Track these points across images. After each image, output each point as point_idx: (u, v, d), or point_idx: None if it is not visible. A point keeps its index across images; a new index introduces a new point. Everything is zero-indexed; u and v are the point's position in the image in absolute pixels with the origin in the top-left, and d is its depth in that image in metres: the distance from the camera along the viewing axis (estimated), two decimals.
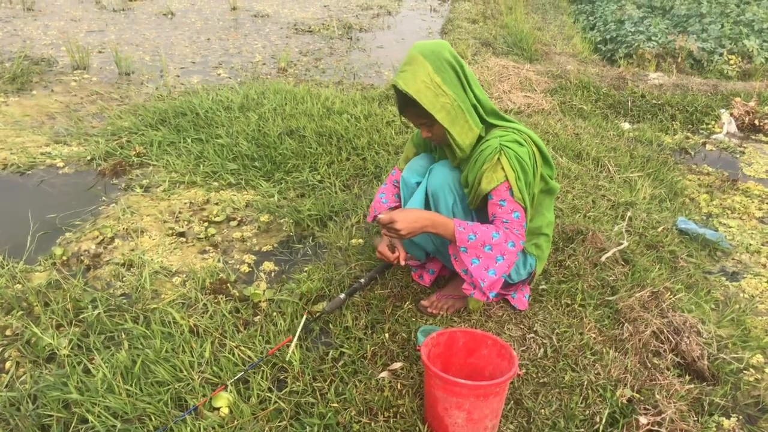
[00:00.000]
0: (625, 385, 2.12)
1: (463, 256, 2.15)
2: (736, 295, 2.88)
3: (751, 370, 2.39)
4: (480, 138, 2.15)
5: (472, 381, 1.73)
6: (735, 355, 2.40)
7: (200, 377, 2.10)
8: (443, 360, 1.96)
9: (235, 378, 2.07)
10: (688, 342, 2.37)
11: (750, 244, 3.31)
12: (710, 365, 2.32)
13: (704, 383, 2.27)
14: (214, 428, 1.89)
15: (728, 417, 2.15)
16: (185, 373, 2.10)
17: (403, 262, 2.32)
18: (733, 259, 3.20)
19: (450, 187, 2.23)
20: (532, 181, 2.13)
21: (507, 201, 2.10)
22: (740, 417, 2.16)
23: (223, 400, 2.00)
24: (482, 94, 2.15)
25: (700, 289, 2.82)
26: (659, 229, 3.20)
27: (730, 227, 3.50)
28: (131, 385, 2.03)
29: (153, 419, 1.92)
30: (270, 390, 2.07)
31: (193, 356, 2.18)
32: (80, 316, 2.39)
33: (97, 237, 2.97)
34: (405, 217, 2.08)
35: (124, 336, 2.29)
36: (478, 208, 2.24)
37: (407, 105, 2.10)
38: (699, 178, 4.09)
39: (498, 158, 2.06)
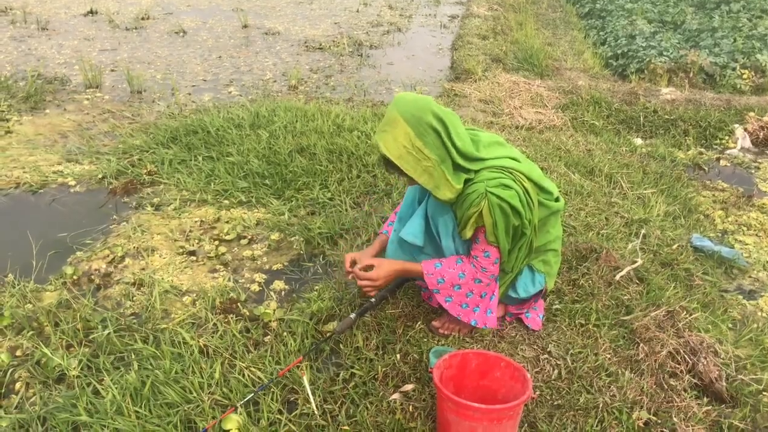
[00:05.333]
0: (642, 407, 2.07)
1: (437, 297, 2.27)
2: (753, 314, 2.83)
3: None
4: (468, 179, 2.13)
5: (485, 404, 1.70)
6: (754, 376, 2.35)
7: (210, 399, 2.08)
8: (456, 382, 1.93)
9: (245, 400, 2.05)
10: (705, 363, 2.33)
11: (767, 262, 3.25)
12: (728, 387, 2.27)
13: (723, 405, 2.23)
14: None
15: None
16: (195, 394, 2.08)
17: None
18: (750, 276, 3.15)
19: (448, 214, 2.22)
20: (519, 222, 2.11)
21: (481, 241, 2.17)
22: None
23: (233, 423, 1.98)
24: (465, 146, 2.08)
25: (717, 308, 2.77)
26: (674, 247, 3.16)
27: (747, 244, 3.45)
28: (140, 407, 2.01)
29: None
30: (280, 412, 2.04)
31: (202, 377, 2.16)
32: (90, 336, 2.39)
33: (108, 256, 2.97)
34: (382, 273, 2.26)
35: (133, 356, 2.27)
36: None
37: (388, 165, 2.12)
38: (714, 194, 4.04)
39: (481, 206, 2.08)
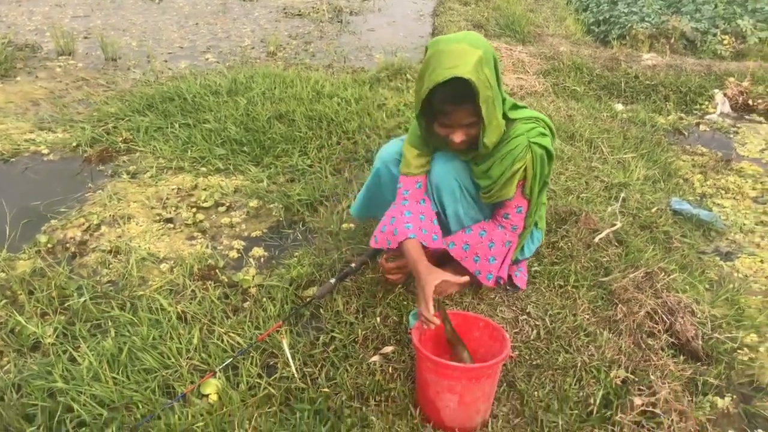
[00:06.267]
0: (620, 366, 2.09)
1: (465, 263, 2.22)
2: (730, 274, 2.86)
3: (745, 349, 2.38)
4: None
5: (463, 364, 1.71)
6: (729, 335, 2.38)
7: (188, 364, 2.06)
8: (435, 343, 1.93)
9: (224, 364, 2.04)
10: (682, 322, 2.35)
11: (744, 224, 3.29)
12: (704, 345, 2.30)
13: (698, 363, 2.25)
14: (202, 415, 1.86)
15: (722, 396, 2.13)
16: (173, 360, 2.07)
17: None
18: (727, 238, 3.18)
19: (456, 178, 2.16)
20: (549, 170, 2.11)
21: (516, 196, 2.12)
22: (734, 396, 2.14)
23: (212, 387, 1.97)
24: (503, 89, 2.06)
25: (695, 270, 2.80)
26: (653, 210, 3.17)
27: (724, 207, 3.48)
28: (118, 373, 1.99)
29: (140, 407, 1.89)
30: (260, 376, 2.03)
31: (181, 343, 2.14)
32: (66, 304, 2.35)
33: (83, 224, 2.92)
34: (440, 286, 2.03)
35: (110, 323, 2.25)
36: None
37: (460, 102, 1.90)
38: (693, 159, 4.06)
39: (527, 158, 2.02)
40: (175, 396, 1.93)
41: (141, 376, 2.00)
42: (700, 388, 2.11)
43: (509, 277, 2.36)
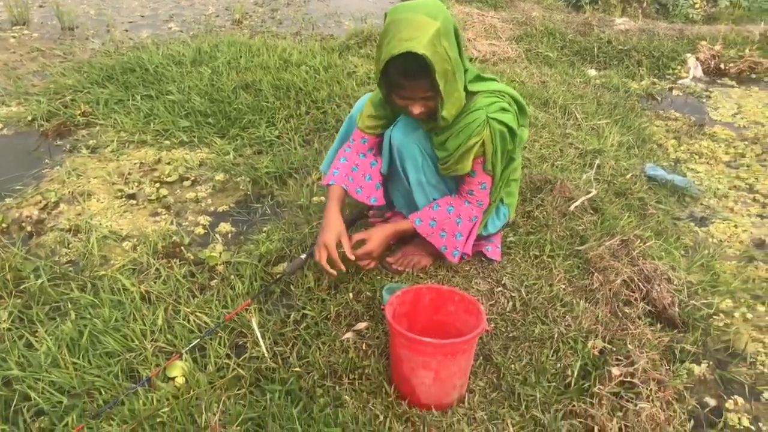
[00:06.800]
0: (597, 336, 2.06)
1: (432, 239, 2.16)
2: (704, 240, 2.85)
3: (721, 315, 2.37)
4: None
5: (438, 339, 1.65)
6: (705, 301, 2.36)
7: (153, 346, 1.97)
8: (409, 318, 1.87)
9: (191, 345, 1.95)
10: (659, 290, 2.32)
11: (718, 189, 3.28)
12: (681, 312, 2.28)
13: (675, 330, 2.24)
14: (168, 399, 1.78)
15: (698, 363, 2.12)
16: (137, 342, 1.98)
17: (352, 256, 2.13)
18: (701, 204, 3.16)
19: (418, 146, 2.10)
20: (512, 146, 2.05)
21: (477, 173, 2.07)
22: (710, 363, 2.13)
23: (178, 370, 1.89)
24: (467, 60, 1.98)
25: (670, 236, 2.78)
26: (628, 177, 3.14)
27: (698, 172, 3.46)
28: (78, 358, 1.90)
29: (103, 393, 1.80)
30: (228, 357, 1.96)
31: (145, 324, 2.05)
32: (21, 287, 2.23)
33: (40, 202, 2.78)
34: (377, 243, 2.15)
35: (70, 306, 2.14)
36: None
37: (415, 76, 1.82)
38: (666, 124, 4.03)
39: (483, 134, 1.96)
40: (139, 380, 1.85)
41: (103, 361, 1.91)
42: (677, 356, 2.09)
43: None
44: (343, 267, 2.10)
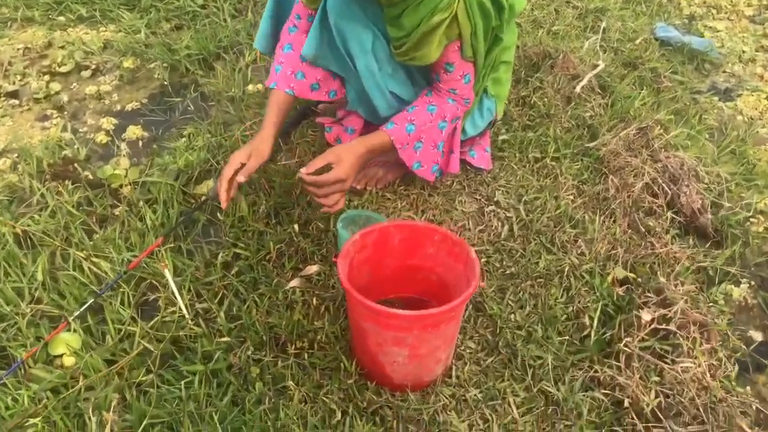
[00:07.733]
0: (616, 262, 1.60)
1: (404, 153, 1.60)
2: (732, 118, 2.35)
3: (759, 217, 1.92)
4: None
5: (413, 294, 1.16)
6: (739, 200, 1.91)
7: (31, 310, 1.46)
8: (373, 264, 1.36)
9: (82, 309, 1.44)
10: (687, 192, 1.85)
11: (743, 51, 2.73)
12: (714, 219, 1.82)
13: (707, 244, 1.79)
14: (47, 396, 1.29)
15: (738, 285, 1.70)
16: (6, 307, 1.46)
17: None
18: (724, 71, 2.63)
19: (365, 19, 1.51)
20: (498, 22, 1.48)
21: (456, 63, 1.53)
22: (752, 283, 1.71)
23: (63, 345, 1.39)
24: None
25: (691, 116, 2.26)
26: (637, 42, 2.56)
27: (718, 31, 2.88)
28: None
29: None
30: (134, 321, 1.46)
31: (21, 280, 1.52)
32: None
33: None
34: (348, 168, 1.48)
35: None
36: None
37: None
38: None
39: (454, 8, 1.38)
40: (9, 365, 1.36)
41: None
42: (713, 278, 1.65)
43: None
44: (224, 198, 1.50)
